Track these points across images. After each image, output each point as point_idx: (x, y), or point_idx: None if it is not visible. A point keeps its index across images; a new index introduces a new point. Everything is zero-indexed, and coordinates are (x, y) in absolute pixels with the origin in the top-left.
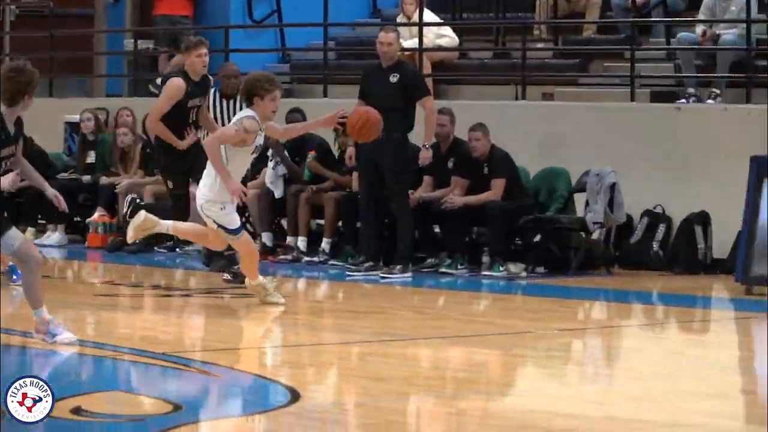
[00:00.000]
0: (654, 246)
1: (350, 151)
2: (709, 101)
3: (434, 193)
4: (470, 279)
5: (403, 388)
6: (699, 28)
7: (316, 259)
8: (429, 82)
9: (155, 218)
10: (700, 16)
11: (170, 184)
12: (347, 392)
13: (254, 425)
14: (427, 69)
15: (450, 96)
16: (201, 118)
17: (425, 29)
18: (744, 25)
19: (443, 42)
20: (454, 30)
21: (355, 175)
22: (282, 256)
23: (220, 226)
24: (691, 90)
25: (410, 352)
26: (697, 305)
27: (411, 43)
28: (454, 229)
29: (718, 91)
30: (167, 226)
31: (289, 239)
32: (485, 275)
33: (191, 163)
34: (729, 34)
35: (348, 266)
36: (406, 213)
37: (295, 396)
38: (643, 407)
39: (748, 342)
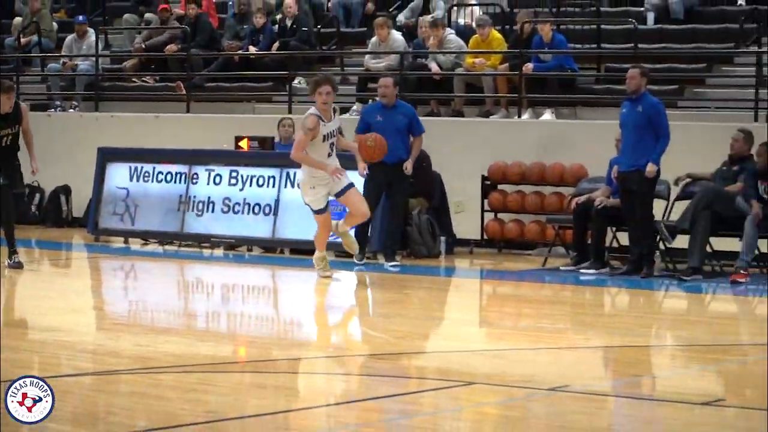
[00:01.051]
0: (33, 208)
1: None
2: (71, 110)
3: None
4: None
5: None
6: (62, 60)
7: None
8: None
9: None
10: (64, 52)
11: None
12: None
13: None
14: None
15: None
16: (25, 139)
17: None
18: (94, 58)
19: None
20: None
21: None
22: None
23: (307, 204)
24: (58, 102)
25: None
26: (63, 249)
27: None
28: None
29: (77, 104)
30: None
31: None
32: None
33: None
34: (84, 63)
35: None
36: None
37: None
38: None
39: (96, 274)
